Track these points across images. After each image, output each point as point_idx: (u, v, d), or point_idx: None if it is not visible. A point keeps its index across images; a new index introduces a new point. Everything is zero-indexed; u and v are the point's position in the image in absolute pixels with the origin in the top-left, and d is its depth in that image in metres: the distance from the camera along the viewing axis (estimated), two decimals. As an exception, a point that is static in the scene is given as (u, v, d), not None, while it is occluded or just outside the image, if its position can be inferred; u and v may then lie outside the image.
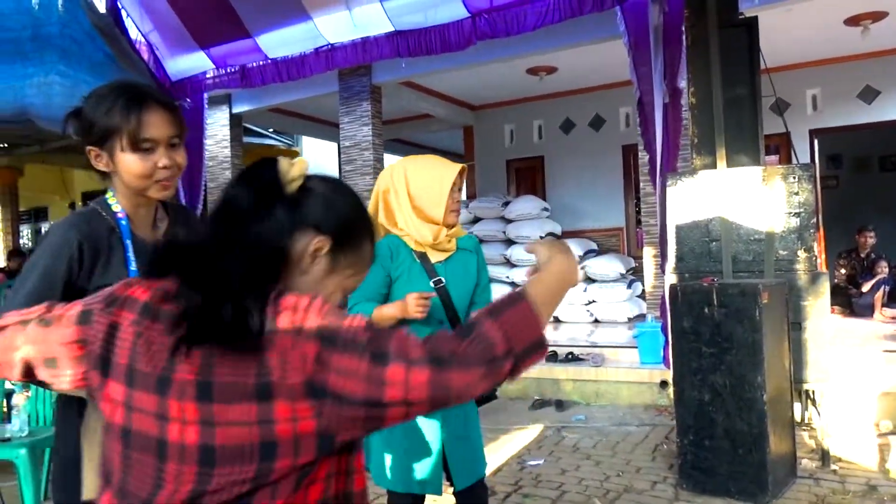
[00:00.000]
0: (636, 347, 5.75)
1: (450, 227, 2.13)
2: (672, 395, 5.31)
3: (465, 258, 2.15)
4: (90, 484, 1.39)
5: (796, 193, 3.86)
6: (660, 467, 3.97)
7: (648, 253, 6.16)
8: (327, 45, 6.63)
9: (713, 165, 4.20)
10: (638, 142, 6.38)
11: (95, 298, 1.03)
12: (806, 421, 4.36)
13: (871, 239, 7.87)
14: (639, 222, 9.10)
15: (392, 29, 6.26)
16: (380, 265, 2.02)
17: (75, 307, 1.04)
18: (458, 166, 2.15)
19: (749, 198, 3.95)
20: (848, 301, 7.61)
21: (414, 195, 2.08)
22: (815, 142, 8.23)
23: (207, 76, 7.43)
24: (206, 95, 7.98)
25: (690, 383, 3.55)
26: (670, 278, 4.18)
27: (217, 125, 8.64)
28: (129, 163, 1.48)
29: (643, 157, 6.16)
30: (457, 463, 2.09)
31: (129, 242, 1.53)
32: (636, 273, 8.20)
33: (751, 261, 3.94)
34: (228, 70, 7.25)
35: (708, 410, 3.49)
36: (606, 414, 5.29)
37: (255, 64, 7.06)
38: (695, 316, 3.52)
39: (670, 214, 4.19)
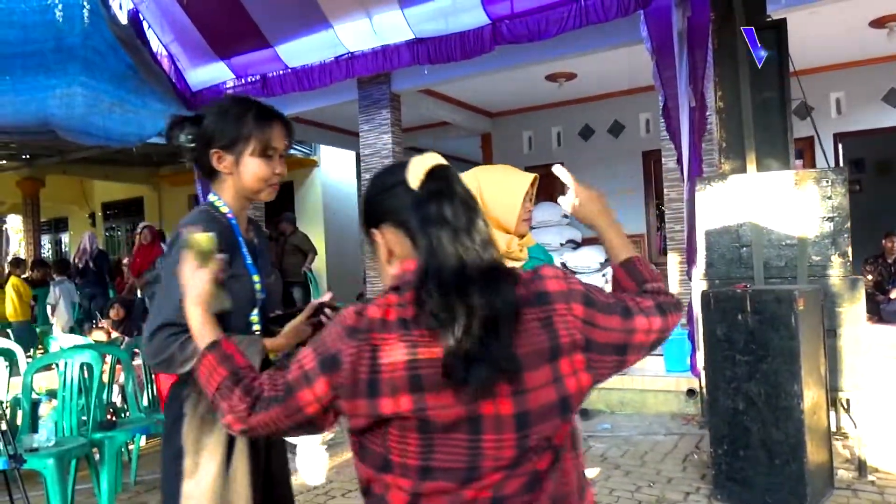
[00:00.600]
0: (661, 355, 5.67)
1: (521, 236, 2.10)
2: (699, 404, 5.24)
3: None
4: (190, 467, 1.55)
5: (829, 198, 3.79)
6: (691, 478, 3.90)
7: (673, 259, 6.08)
8: (347, 53, 6.64)
9: (742, 170, 4.14)
10: (661, 147, 6.33)
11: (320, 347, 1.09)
12: (840, 430, 4.26)
13: (899, 244, 7.73)
14: (658, 228, 9.04)
15: (412, 36, 6.25)
16: None
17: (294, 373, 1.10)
18: (531, 176, 2.11)
19: (780, 202, 3.88)
20: (875, 307, 7.47)
21: (488, 204, 2.01)
22: (840, 146, 8.12)
23: (227, 86, 7.46)
24: (225, 105, 8.02)
25: (724, 392, 3.47)
26: (699, 285, 4.11)
27: (236, 135, 8.67)
28: (255, 166, 1.67)
29: (667, 162, 6.11)
30: None
31: (241, 240, 1.69)
32: (658, 280, 8.11)
33: (783, 266, 3.87)
34: (249, 79, 7.27)
35: (742, 420, 3.41)
36: (633, 423, 5.21)
37: (275, 73, 7.08)
38: (728, 323, 3.45)
39: (700, 219, 4.13)
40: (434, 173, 1.11)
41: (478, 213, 1.09)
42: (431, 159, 1.12)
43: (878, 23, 6.57)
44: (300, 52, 6.79)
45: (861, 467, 3.75)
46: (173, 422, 1.61)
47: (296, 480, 1.85)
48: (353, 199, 11.35)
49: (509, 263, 2.04)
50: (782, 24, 4.21)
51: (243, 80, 7.36)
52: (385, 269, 1.17)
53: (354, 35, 6.48)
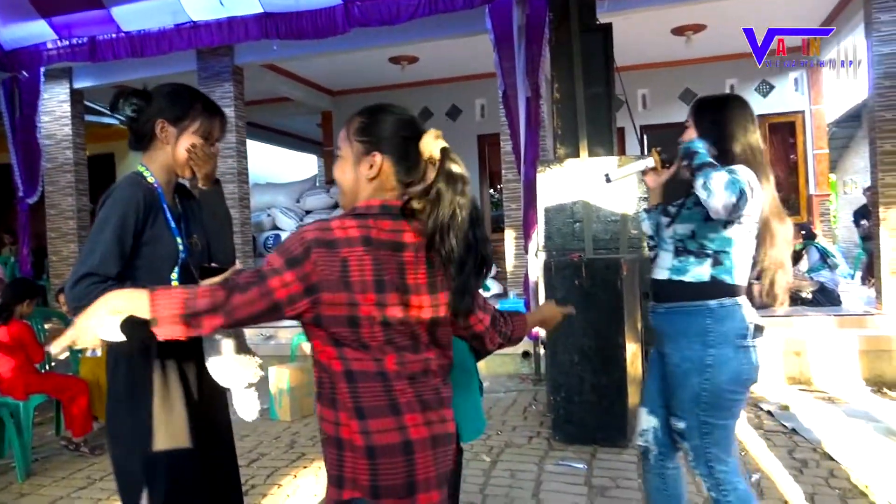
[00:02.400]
0: (500, 322, 6.20)
1: None
2: (533, 364, 5.85)
3: None
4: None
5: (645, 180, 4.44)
6: (532, 425, 4.42)
7: (510, 235, 6.66)
8: (190, 21, 6.44)
9: (575, 155, 4.69)
10: (499, 132, 6.86)
11: (281, 253, 1.37)
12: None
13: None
14: (495, 206, 9.70)
15: (261, 10, 6.21)
16: None
17: (259, 272, 1.37)
18: None
19: (606, 184, 4.47)
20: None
21: None
22: (645, 137, 9.23)
23: (48, 47, 6.89)
24: (43, 69, 7.39)
25: (563, 347, 4.00)
26: (540, 256, 4.62)
27: (55, 101, 7.99)
28: (191, 144, 1.86)
29: (504, 146, 6.65)
30: (462, 417, 2.19)
31: (166, 206, 1.86)
32: (493, 255, 8.75)
33: (608, 239, 4.48)
34: (74, 42, 6.77)
35: (577, 370, 3.96)
36: (476, 384, 5.68)
37: (106, 37, 6.66)
38: (566, 287, 3.97)
39: (539, 199, 4.63)
40: (450, 155, 1.41)
41: (469, 193, 1.44)
42: (443, 141, 1.43)
43: (678, 31, 7.59)
44: (137, 15, 6.44)
45: (666, 407, 4.49)
46: (114, 370, 1.78)
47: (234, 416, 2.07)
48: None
49: None
50: (609, 27, 4.81)
51: (67, 42, 6.84)
52: (359, 183, 1.45)
53: (198, 3, 6.29)
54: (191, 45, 6.55)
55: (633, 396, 3.94)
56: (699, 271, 2.03)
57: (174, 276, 1.86)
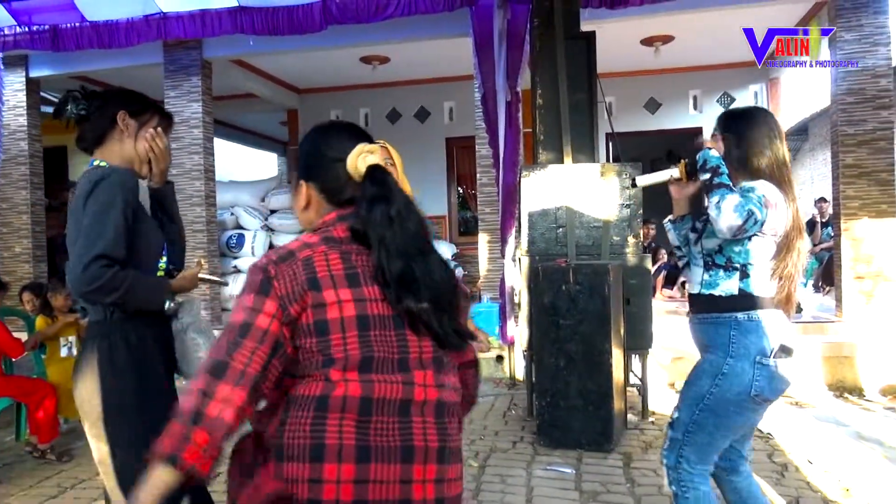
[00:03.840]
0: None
1: None
2: (507, 369, 5.87)
3: None
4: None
5: (627, 188, 4.50)
6: (514, 430, 4.43)
7: (483, 239, 6.66)
8: (159, 13, 6.20)
9: (557, 161, 4.73)
10: (469, 134, 6.85)
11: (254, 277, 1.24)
12: (629, 382, 5.09)
13: (652, 231, 9.16)
14: (462, 208, 9.70)
15: (235, 3, 6.05)
16: None
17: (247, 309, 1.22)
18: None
19: (589, 190, 4.52)
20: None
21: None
22: (610, 144, 9.38)
23: (5, 33, 6.56)
24: (-1, 55, 7.04)
25: (549, 352, 4.01)
26: (523, 260, 4.63)
27: (10, 90, 7.63)
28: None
29: (480, 149, 6.65)
30: None
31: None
32: (459, 258, 8.76)
33: (590, 245, 4.52)
34: (35, 29, 6.47)
35: (563, 374, 3.98)
36: (451, 388, 5.66)
37: (69, 26, 6.38)
38: (554, 292, 3.99)
39: (524, 203, 4.64)
40: (377, 172, 1.29)
41: (414, 211, 1.30)
42: (372, 156, 1.29)
43: (647, 41, 7.73)
44: (102, 4, 6.18)
45: (644, 411, 4.56)
46: (107, 366, 1.78)
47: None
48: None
49: None
50: (592, 35, 4.86)
51: (26, 30, 6.53)
52: (300, 213, 1.38)
53: (169, -7, 6.09)
54: (161, 37, 6.33)
55: (616, 402, 3.98)
56: (728, 285, 2.05)
57: (162, 264, 1.94)
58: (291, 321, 1.19)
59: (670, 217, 2.32)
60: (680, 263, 2.35)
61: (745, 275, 2.04)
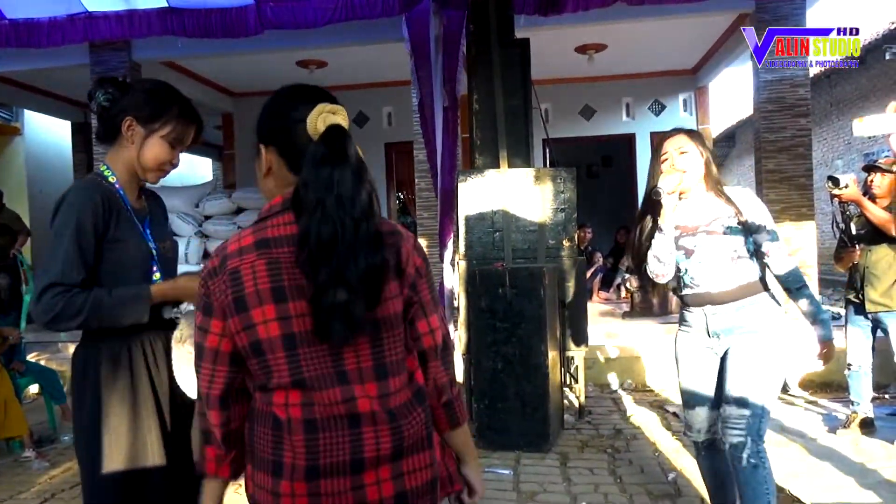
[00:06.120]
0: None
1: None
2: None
3: None
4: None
5: (562, 192, 4.59)
6: (453, 433, 4.43)
7: (422, 244, 6.66)
8: (84, 11, 6.00)
9: (493, 165, 4.78)
10: (408, 139, 6.86)
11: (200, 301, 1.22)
12: (566, 383, 5.17)
13: (588, 234, 9.36)
14: (402, 214, 9.68)
15: (164, 4, 5.90)
16: None
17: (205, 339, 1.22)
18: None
19: (525, 195, 4.59)
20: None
21: None
22: (547, 150, 9.54)
23: (-84, 32, 6.22)
24: None
25: (486, 355, 4.05)
26: (461, 264, 4.65)
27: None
28: (160, 148, 1.76)
29: (418, 154, 6.66)
30: None
31: (129, 207, 1.76)
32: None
33: (527, 249, 4.58)
34: (-51, 27, 6.15)
35: (501, 377, 4.02)
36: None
37: (-13, 23, 6.10)
38: (491, 296, 4.03)
39: (461, 208, 4.67)
40: (333, 132, 1.18)
41: (364, 181, 1.17)
42: (334, 116, 1.20)
43: (581, 49, 7.91)
44: (23, 1, 5.93)
45: (581, 411, 4.65)
46: (81, 382, 1.69)
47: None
48: (68, 173, 10.09)
49: None
50: (526, 42, 4.94)
51: (-60, 28, 6.21)
52: (261, 181, 1.30)
53: (94, -8, 5.89)
54: (86, 38, 6.11)
55: (553, 403, 4.04)
56: (755, 271, 2.44)
57: (157, 276, 1.78)
58: (233, 338, 1.18)
59: (666, 226, 2.40)
60: (664, 269, 2.44)
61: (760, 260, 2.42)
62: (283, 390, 1.15)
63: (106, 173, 1.77)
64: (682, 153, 2.39)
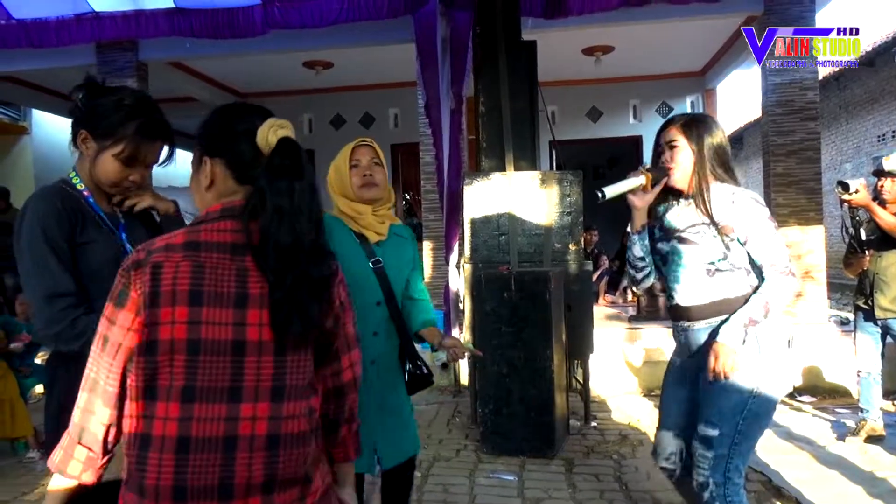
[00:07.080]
0: (418, 333, 6.17)
1: (366, 201, 2.18)
2: (452, 376, 5.86)
3: (399, 244, 2.28)
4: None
5: (568, 195, 4.56)
6: (457, 438, 4.42)
7: (427, 246, 6.64)
8: (91, 11, 6.02)
9: (499, 168, 4.75)
10: (419, 142, 6.84)
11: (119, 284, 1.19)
12: (571, 387, 5.14)
13: (595, 237, 9.31)
14: (408, 215, 9.66)
15: (171, 4, 5.90)
16: None
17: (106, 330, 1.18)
18: (357, 140, 2.27)
19: (531, 198, 4.56)
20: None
21: (331, 175, 2.22)
22: (554, 152, 9.51)
23: (-76, 32, 6.24)
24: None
25: (491, 359, 4.02)
26: (466, 267, 4.63)
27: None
28: (111, 167, 1.66)
29: (424, 156, 6.64)
30: (386, 440, 2.14)
31: (98, 210, 1.69)
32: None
33: (532, 252, 4.56)
34: (-45, 27, 6.17)
35: (506, 382, 3.99)
36: (395, 396, 5.62)
37: (-5, 24, 6.12)
38: (496, 299, 4.00)
39: (467, 211, 4.65)
40: (287, 144, 1.21)
41: (315, 195, 1.22)
42: (284, 130, 1.23)
43: (588, 51, 7.88)
44: (32, 1, 5.95)
45: (587, 416, 4.62)
46: (51, 385, 1.66)
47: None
48: (75, 173, 10.12)
49: (373, 236, 2.20)
50: (533, 44, 4.92)
51: (-53, 27, 6.23)
52: (201, 193, 1.29)
53: (101, -8, 5.90)
54: (93, 38, 6.13)
55: (558, 408, 4.02)
56: (741, 285, 2.12)
57: None
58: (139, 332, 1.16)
59: (636, 229, 2.25)
60: (639, 276, 2.31)
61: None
62: (165, 402, 1.12)
63: (74, 180, 1.70)
64: (673, 146, 2.14)
